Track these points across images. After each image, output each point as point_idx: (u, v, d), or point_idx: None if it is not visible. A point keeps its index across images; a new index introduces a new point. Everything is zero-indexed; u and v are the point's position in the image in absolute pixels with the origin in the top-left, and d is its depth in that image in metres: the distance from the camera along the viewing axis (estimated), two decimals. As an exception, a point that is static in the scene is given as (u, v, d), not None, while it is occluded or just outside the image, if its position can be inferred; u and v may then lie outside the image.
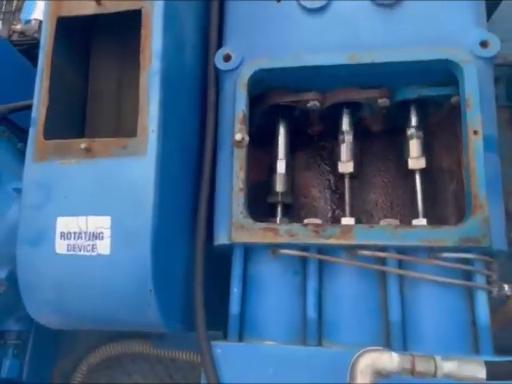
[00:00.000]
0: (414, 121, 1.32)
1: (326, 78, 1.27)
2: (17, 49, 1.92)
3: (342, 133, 1.35)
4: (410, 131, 1.31)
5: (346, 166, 1.31)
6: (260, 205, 1.40)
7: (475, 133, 1.10)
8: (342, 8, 1.27)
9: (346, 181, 1.33)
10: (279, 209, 1.33)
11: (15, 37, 2.00)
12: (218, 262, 1.26)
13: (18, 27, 2.00)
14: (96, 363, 1.75)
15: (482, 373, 0.78)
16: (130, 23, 1.11)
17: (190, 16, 1.27)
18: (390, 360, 0.81)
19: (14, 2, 2.10)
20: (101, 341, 1.81)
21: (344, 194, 1.34)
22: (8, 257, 1.14)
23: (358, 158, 1.36)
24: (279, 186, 1.33)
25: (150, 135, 0.99)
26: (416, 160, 1.28)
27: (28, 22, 2.00)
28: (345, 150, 1.32)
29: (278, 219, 1.30)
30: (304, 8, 1.28)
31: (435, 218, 1.29)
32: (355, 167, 1.32)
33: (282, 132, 1.39)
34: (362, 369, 0.81)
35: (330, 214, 1.46)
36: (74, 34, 1.16)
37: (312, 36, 1.26)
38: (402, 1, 1.24)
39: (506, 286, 1.18)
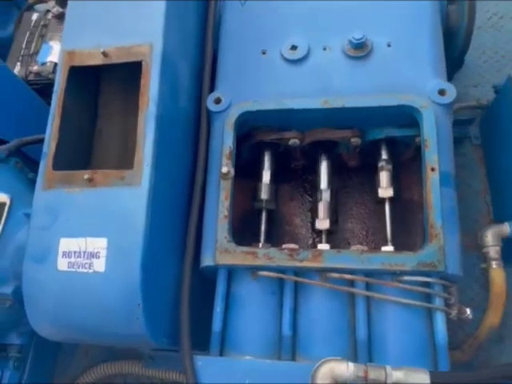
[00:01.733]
0: (384, 155, 1.46)
1: (304, 119, 1.44)
2: (32, 87, 2.11)
3: (320, 191, 1.46)
4: (380, 164, 1.46)
5: (322, 223, 1.42)
6: (248, 231, 1.53)
7: (432, 170, 1.24)
8: (319, 59, 1.44)
9: (323, 235, 1.42)
10: (263, 215, 1.45)
11: (32, 77, 2.18)
12: (209, 286, 1.37)
13: (35, 68, 2.19)
14: (90, 382, 1.84)
15: (426, 380, 0.88)
16: (133, 72, 1.28)
17: (185, 65, 1.45)
18: (346, 368, 0.92)
19: (33, 46, 2.31)
20: (96, 361, 1.90)
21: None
22: (15, 274, 1.27)
23: (335, 215, 1.47)
24: (264, 193, 1.47)
25: (145, 168, 1.14)
26: (385, 190, 1.41)
27: (44, 63, 2.20)
28: (322, 208, 1.43)
29: (261, 230, 1.42)
30: (285, 59, 1.46)
31: (406, 245, 1.41)
32: (331, 223, 1.42)
33: (266, 160, 1.53)
34: (321, 376, 0.91)
35: (310, 241, 1.59)
36: (85, 80, 1.34)
37: (292, 83, 1.43)
38: (370, 53, 1.41)
39: (468, 310, 1.29)
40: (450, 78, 1.90)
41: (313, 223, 1.47)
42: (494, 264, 1.61)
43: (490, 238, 1.65)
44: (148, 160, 1.15)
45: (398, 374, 0.89)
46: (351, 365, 0.93)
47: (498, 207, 1.91)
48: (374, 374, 0.90)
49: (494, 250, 1.63)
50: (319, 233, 1.45)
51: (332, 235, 1.52)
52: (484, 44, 2.32)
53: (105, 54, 1.25)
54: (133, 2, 1.31)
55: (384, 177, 1.42)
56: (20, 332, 1.45)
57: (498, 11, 2.41)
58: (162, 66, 1.23)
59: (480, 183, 2.02)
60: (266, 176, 1.50)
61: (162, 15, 1.27)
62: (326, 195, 1.46)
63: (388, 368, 0.90)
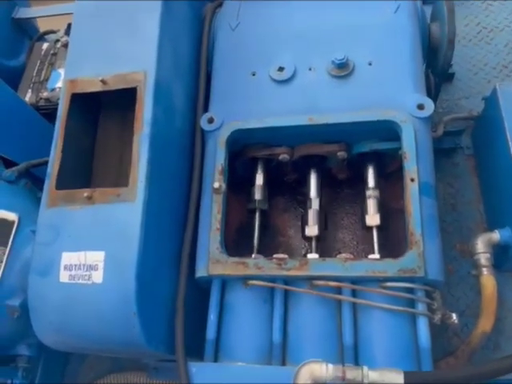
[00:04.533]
0: (370, 183, 1.50)
1: (291, 135, 1.51)
2: (43, 112, 2.25)
3: (310, 200, 1.53)
4: (368, 193, 1.49)
5: (311, 230, 1.47)
6: (244, 244, 1.60)
7: (412, 180, 1.30)
8: (304, 79, 1.52)
9: (313, 241, 1.47)
10: (257, 214, 1.51)
11: (42, 102, 2.32)
12: (205, 296, 1.44)
13: (45, 94, 2.33)
14: (96, 394, 1.90)
15: (400, 380, 0.92)
16: (130, 97, 1.38)
17: (180, 88, 1.54)
18: (325, 369, 0.97)
19: (43, 74, 2.45)
20: (103, 372, 1.97)
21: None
22: (22, 288, 1.35)
23: (323, 222, 1.51)
24: (257, 194, 1.53)
25: (139, 185, 1.23)
26: (372, 217, 1.44)
27: (53, 90, 2.34)
28: (311, 215, 1.49)
29: (254, 241, 1.48)
30: (273, 79, 1.55)
31: (393, 252, 1.46)
32: (320, 230, 1.47)
33: (259, 166, 1.60)
34: (302, 377, 0.97)
35: (303, 251, 1.65)
36: (86, 105, 1.44)
37: (279, 102, 1.51)
38: (352, 72, 1.49)
39: (454, 315, 1.33)
40: (438, 90, 1.99)
41: (303, 232, 1.53)
42: (484, 271, 1.64)
43: (481, 245, 1.68)
44: (142, 177, 1.24)
45: (373, 375, 0.94)
46: (330, 366, 0.98)
47: (490, 216, 1.95)
48: (351, 374, 0.95)
49: (484, 257, 1.66)
50: (309, 240, 1.50)
51: (323, 245, 1.58)
52: (474, 57, 2.39)
53: (103, 82, 1.36)
54: (129, 31, 1.42)
55: (372, 204, 1.46)
56: (28, 343, 1.53)
57: (487, 25, 2.48)
58: (156, 91, 1.33)
59: (473, 192, 2.05)
60: (259, 179, 1.56)
61: (155, 44, 1.37)
62: (315, 203, 1.52)
63: (365, 369, 0.95)
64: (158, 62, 1.36)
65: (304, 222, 1.52)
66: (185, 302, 1.31)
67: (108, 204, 1.24)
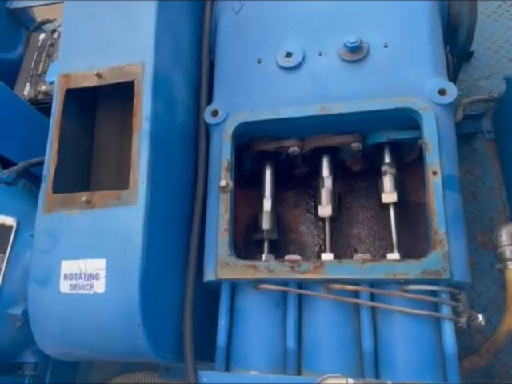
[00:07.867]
0: (387, 159, 1.42)
1: (302, 127, 1.41)
2: (41, 107, 2.17)
3: (322, 179, 1.46)
4: (384, 168, 1.41)
5: (325, 210, 1.41)
6: (254, 240, 1.52)
7: (434, 173, 1.20)
8: (314, 65, 1.41)
9: (327, 223, 1.42)
10: (265, 245, 1.43)
11: (41, 96, 2.24)
12: (214, 298, 1.37)
13: (43, 88, 2.24)
14: (108, 395, 1.87)
15: (427, 397, 0.85)
16: (128, 92, 1.29)
17: (181, 79, 1.45)
18: (345, 385, 0.90)
19: (41, 66, 2.36)
20: (114, 373, 1.93)
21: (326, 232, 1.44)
22: (24, 295, 1.29)
23: (337, 201, 1.45)
24: (265, 223, 1.44)
25: (140, 187, 1.15)
26: (388, 194, 1.37)
27: (52, 83, 2.24)
28: (324, 194, 1.43)
29: (263, 255, 1.40)
30: (281, 67, 1.44)
31: (414, 249, 1.37)
32: (334, 210, 1.40)
33: (267, 174, 1.51)
34: (321, 394, 0.90)
35: (317, 249, 1.56)
36: (81, 102, 1.36)
37: (288, 91, 1.41)
38: (367, 56, 1.38)
39: (480, 317, 1.25)
40: (457, 70, 1.86)
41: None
42: (509, 264, 1.53)
43: (505, 237, 1.57)
44: (143, 179, 1.15)
45: (399, 391, 0.87)
46: (351, 381, 0.91)
47: (514, 204, 1.84)
48: (374, 390, 0.88)
49: (509, 250, 1.55)
50: (323, 221, 1.42)
51: (338, 241, 1.50)
52: (494, 34, 2.25)
53: (99, 76, 1.26)
54: (124, 20, 1.32)
55: (387, 181, 1.38)
56: (33, 350, 1.48)
57: (507, -1, 2.32)
58: (155, 84, 1.24)
59: (495, 180, 1.95)
60: (267, 204, 1.46)
61: (153, 32, 1.27)
62: (328, 183, 1.43)
63: (388, 383, 0.88)
64: (156, 52, 1.26)
65: (316, 202, 1.44)
66: (193, 307, 1.24)
67: (108, 208, 1.16)
